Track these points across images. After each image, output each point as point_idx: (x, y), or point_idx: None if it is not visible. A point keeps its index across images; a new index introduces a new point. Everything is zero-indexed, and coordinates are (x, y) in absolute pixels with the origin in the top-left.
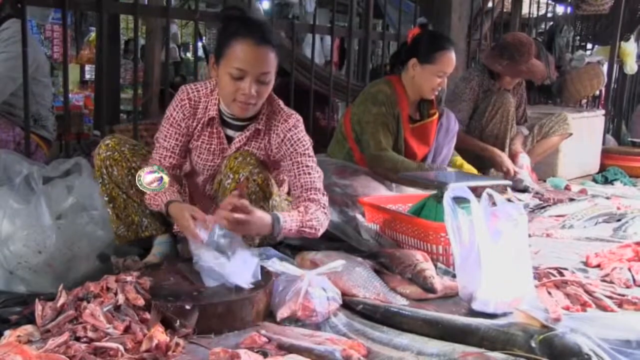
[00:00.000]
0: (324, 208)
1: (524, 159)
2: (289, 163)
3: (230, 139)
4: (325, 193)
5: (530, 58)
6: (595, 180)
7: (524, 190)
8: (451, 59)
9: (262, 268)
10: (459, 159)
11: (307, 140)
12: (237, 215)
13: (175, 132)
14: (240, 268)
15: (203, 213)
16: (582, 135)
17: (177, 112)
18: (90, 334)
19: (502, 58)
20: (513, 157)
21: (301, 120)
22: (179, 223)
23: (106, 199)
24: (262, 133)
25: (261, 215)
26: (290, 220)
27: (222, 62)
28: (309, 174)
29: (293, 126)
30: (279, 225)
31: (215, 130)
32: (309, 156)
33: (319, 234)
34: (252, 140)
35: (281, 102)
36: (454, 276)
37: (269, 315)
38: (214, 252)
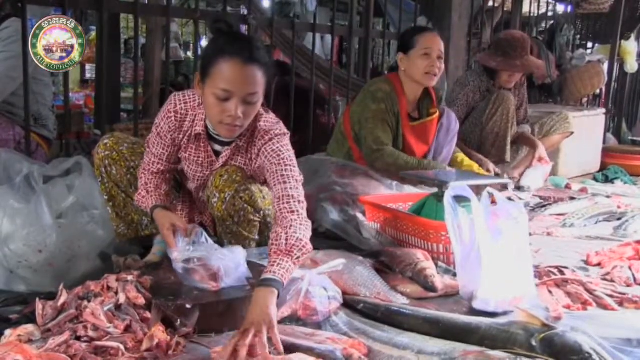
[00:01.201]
0: (301, 220)
1: (547, 170)
2: (268, 175)
3: (217, 153)
4: (302, 200)
5: (524, 53)
6: (595, 179)
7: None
8: (431, 37)
9: (261, 267)
10: (460, 155)
11: (284, 151)
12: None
13: (162, 142)
14: (205, 274)
15: (184, 222)
16: (583, 134)
17: (164, 124)
18: (91, 333)
19: (496, 54)
20: (539, 160)
21: (283, 134)
22: (160, 230)
23: (106, 197)
24: (244, 150)
25: (261, 305)
26: (284, 270)
27: (207, 82)
28: (284, 182)
29: (269, 139)
30: (280, 285)
31: (202, 145)
32: (286, 165)
33: (310, 246)
34: (237, 155)
35: (266, 118)
36: (454, 275)
37: None
38: (184, 260)
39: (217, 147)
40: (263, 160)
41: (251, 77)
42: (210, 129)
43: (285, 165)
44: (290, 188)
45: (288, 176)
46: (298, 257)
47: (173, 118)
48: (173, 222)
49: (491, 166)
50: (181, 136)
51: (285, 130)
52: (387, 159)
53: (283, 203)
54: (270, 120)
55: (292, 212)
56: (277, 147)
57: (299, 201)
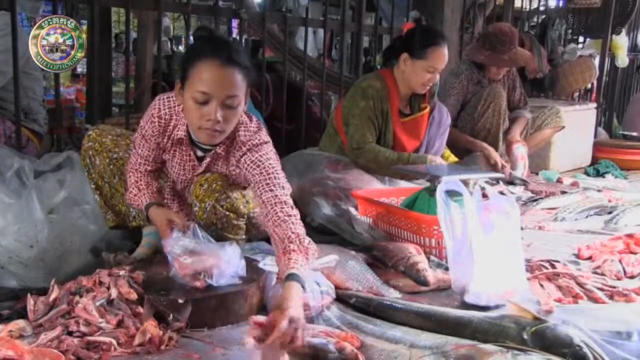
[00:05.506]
0: (301, 225)
1: (519, 150)
2: (253, 185)
3: (200, 158)
4: (293, 206)
5: (512, 47)
6: (587, 173)
7: (518, 183)
8: (443, 54)
9: (254, 262)
10: (446, 151)
11: (264, 160)
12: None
13: (147, 144)
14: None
15: (182, 218)
16: (574, 128)
17: (149, 127)
18: (82, 328)
19: (484, 48)
20: (508, 145)
21: (261, 143)
22: (157, 227)
23: (93, 186)
24: (223, 158)
25: (298, 302)
26: (303, 268)
27: (186, 86)
28: (271, 190)
29: (247, 150)
30: (304, 283)
31: (185, 149)
32: (269, 174)
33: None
34: (217, 161)
35: (246, 127)
36: (446, 269)
37: (262, 309)
38: (177, 252)
39: (200, 153)
40: (244, 171)
41: (230, 79)
42: (192, 134)
43: (268, 174)
44: (280, 195)
45: (274, 184)
46: (311, 261)
47: (157, 123)
48: (170, 218)
49: (495, 155)
50: (165, 140)
51: (266, 139)
52: (367, 156)
53: (277, 209)
54: (250, 129)
55: (290, 215)
56: (256, 157)
57: (292, 207)
